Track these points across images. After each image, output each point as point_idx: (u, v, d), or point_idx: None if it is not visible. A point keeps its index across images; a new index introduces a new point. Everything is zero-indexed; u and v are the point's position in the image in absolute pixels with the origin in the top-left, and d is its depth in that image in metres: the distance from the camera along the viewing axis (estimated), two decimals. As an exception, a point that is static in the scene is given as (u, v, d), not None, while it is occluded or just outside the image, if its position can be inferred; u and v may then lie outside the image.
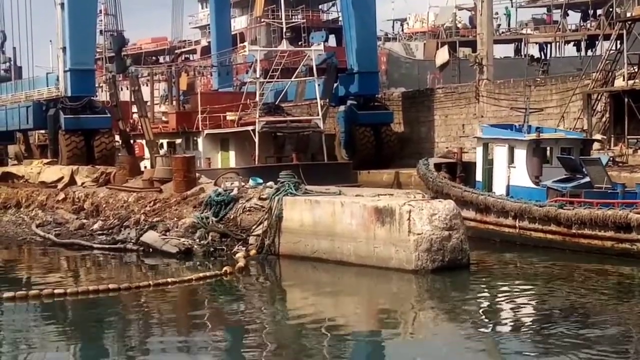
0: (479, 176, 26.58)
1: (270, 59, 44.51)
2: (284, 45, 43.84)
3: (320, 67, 45.12)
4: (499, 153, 25.75)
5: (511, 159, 25.27)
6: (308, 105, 45.45)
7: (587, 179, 23.76)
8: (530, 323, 15.73)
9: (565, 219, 21.89)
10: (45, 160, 38.63)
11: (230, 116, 41.37)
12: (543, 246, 22.61)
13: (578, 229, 21.77)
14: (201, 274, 20.09)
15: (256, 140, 38.93)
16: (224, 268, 20.34)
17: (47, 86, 41.67)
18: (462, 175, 27.38)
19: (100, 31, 53.74)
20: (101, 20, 50.26)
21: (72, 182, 33.26)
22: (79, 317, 17.16)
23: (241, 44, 67.19)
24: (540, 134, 25.22)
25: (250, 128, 39.47)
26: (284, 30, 44.47)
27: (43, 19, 48.16)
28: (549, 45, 67.30)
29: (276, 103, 43.16)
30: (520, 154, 24.95)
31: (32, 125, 43.02)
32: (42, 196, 33.26)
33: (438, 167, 28.05)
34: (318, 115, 41.31)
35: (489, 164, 26.21)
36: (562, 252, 21.98)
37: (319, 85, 42.82)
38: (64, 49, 40.31)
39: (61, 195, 32.39)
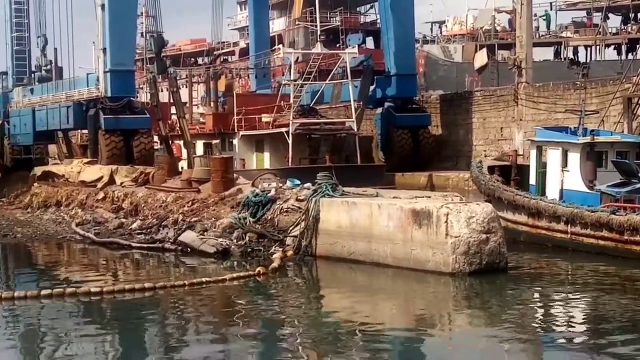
0: (532, 179, 26.14)
1: (308, 61, 44.66)
2: (319, 48, 43.92)
3: (357, 70, 45.12)
4: (553, 156, 25.19)
5: (565, 163, 24.64)
6: (344, 108, 45.52)
7: None
8: (570, 329, 15.56)
9: (617, 225, 21.43)
10: (85, 160, 39.04)
11: (265, 118, 41.60)
12: (595, 252, 22.12)
13: (630, 236, 21.28)
14: (235, 274, 20.19)
15: (290, 141, 39.09)
16: (257, 268, 20.43)
17: (88, 86, 42.02)
18: (516, 179, 26.93)
19: (141, 33, 54.25)
20: (142, 23, 50.65)
21: (111, 181, 33.63)
22: (114, 316, 17.32)
23: (276, 47, 67.34)
24: (595, 137, 24.54)
25: (284, 130, 39.65)
26: (319, 33, 44.57)
27: (86, 20, 48.71)
28: (588, 49, 66.69)
29: (311, 105, 43.28)
30: (574, 158, 24.35)
31: (72, 125, 43.42)
32: (82, 195, 33.67)
33: (491, 169, 27.69)
34: (352, 117, 41.35)
35: (542, 167, 25.79)
36: (614, 259, 21.49)
37: (355, 87, 42.85)
38: (104, 50, 40.65)
39: (100, 195, 32.75)
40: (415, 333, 15.23)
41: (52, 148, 52.49)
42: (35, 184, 38.39)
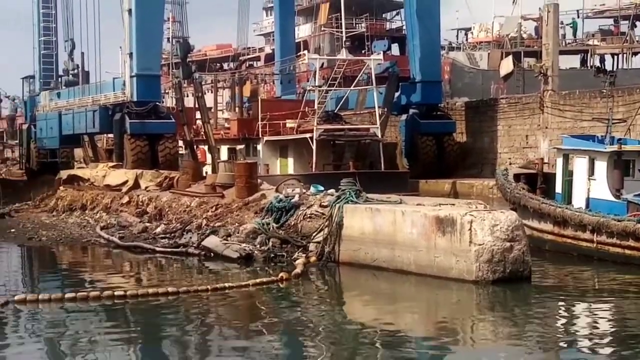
0: (558, 188, 25.96)
1: (333, 67, 44.75)
2: (344, 54, 43.96)
3: (382, 76, 45.11)
4: (579, 164, 24.96)
5: (591, 171, 24.37)
6: (369, 114, 45.53)
7: None
8: (595, 340, 15.34)
9: None
10: (111, 164, 39.26)
11: (289, 123, 41.68)
12: (621, 262, 21.88)
13: None
14: (257, 280, 20.21)
15: (314, 147, 39.13)
16: (280, 274, 20.45)
17: (114, 91, 42.32)
18: (542, 187, 26.72)
19: (168, 38, 54.49)
20: (168, 28, 50.87)
21: (136, 185, 33.77)
22: (137, 319, 17.38)
23: (302, 52, 67.49)
24: (622, 146, 24.23)
25: (308, 135, 39.70)
26: (344, 39, 44.66)
27: (112, 25, 49.04)
28: (615, 57, 66.26)
29: (336, 111, 43.34)
30: (601, 166, 24.08)
31: (98, 129, 43.72)
32: (107, 199, 33.85)
33: (517, 177, 27.52)
34: (376, 124, 41.34)
35: (569, 175, 25.56)
36: None
37: (380, 93, 42.86)
38: (130, 54, 40.93)
39: (125, 199, 32.91)
40: (438, 341, 15.16)
41: (78, 152, 52.86)
42: (61, 188, 38.64)
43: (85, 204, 34.87)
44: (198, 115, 44.13)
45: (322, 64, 49.57)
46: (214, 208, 27.48)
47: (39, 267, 26.51)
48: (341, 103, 44.50)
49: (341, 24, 46.82)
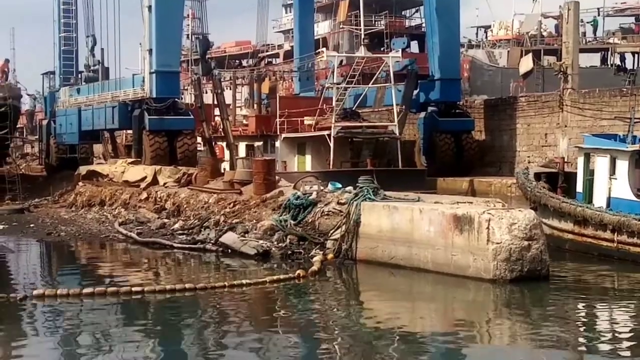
0: (579, 187, 25.84)
1: (351, 64, 44.70)
2: (362, 52, 43.88)
3: (401, 74, 45.02)
4: (600, 164, 24.75)
5: (612, 170, 24.18)
6: (387, 112, 45.42)
7: None
8: (613, 341, 15.28)
9: None
10: (129, 160, 39.41)
11: (307, 121, 41.68)
12: None
13: None
14: (275, 277, 20.25)
15: (331, 145, 39.13)
16: (297, 271, 20.48)
17: (133, 87, 42.41)
18: (563, 186, 26.63)
19: (187, 35, 54.49)
20: (188, 24, 50.84)
21: (154, 182, 33.90)
22: (154, 315, 17.47)
23: (320, 49, 67.42)
24: None
25: (326, 133, 39.71)
26: (363, 36, 44.63)
27: (132, 21, 49.20)
28: (636, 55, 65.75)
29: (354, 109, 43.29)
30: (622, 165, 23.90)
31: (117, 125, 43.85)
32: (125, 195, 34.02)
33: (538, 176, 27.45)
34: (395, 121, 41.29)
35: (590, 174, 25.46)
36: None
37: (399, 91, 42.76)
38: (150, 51, 41.01)
39: (144, 195, 33.05)
40: (455, 339, 15.14)
41: (97, 148, 53.06)
42: (80, 183, 38.86)
43: (104, 200, 35.07)
44: (217, 111, 44.18)
45: (341, 61, 49.49)
46: (231, 204, 27.55)
47: (57, 262, 26.66)
48: (359, 100, 44.40)
49: (360, 21, 46.75)
